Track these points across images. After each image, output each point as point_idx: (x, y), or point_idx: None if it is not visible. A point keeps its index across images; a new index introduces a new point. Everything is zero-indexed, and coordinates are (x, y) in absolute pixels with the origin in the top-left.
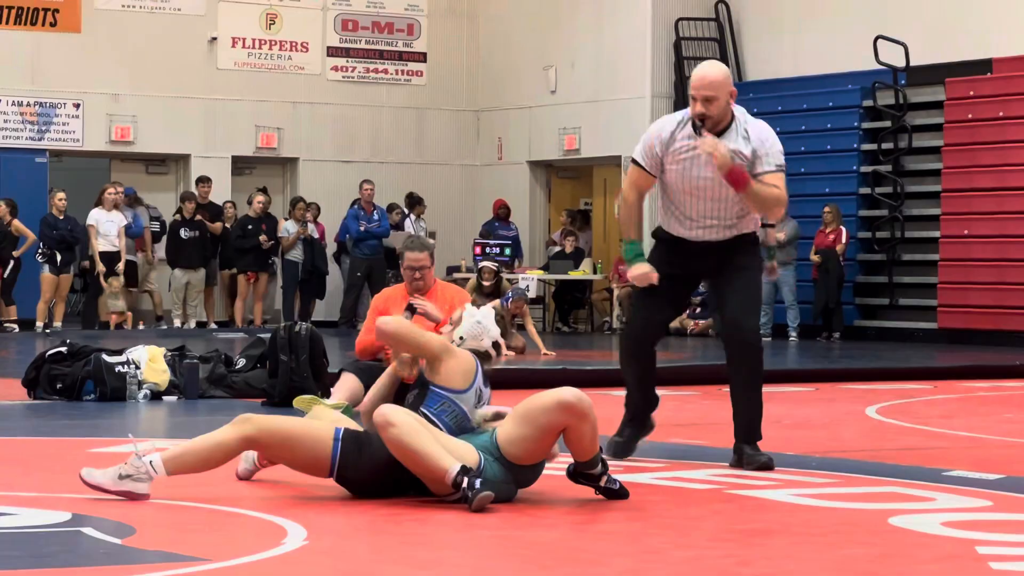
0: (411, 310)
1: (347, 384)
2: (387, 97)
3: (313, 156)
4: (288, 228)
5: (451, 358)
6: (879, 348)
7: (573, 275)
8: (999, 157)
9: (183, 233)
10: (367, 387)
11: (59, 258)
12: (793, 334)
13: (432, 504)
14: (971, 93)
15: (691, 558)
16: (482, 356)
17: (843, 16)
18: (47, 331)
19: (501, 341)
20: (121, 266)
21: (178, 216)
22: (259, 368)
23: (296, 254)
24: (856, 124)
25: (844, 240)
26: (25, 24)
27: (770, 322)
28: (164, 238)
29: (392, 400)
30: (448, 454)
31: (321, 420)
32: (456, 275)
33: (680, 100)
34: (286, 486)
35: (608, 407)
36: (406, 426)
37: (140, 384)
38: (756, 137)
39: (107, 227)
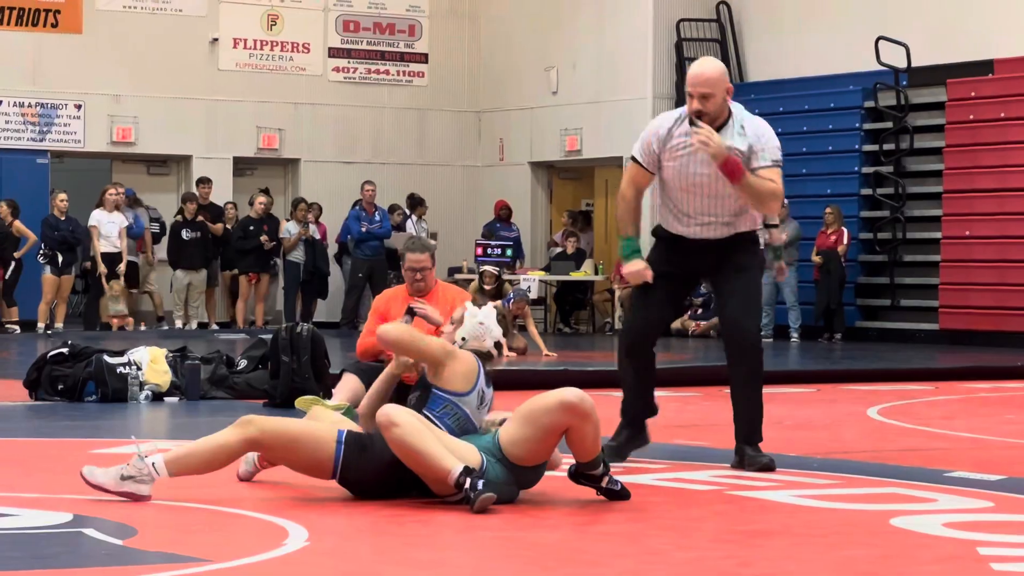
0: (411, 313)
1: (348, 385)
2: (388, 98)
3: (314, 157)
4: (290, 229)
5: (453, 361)
6: (880, 349)
7: (574, 276)
8: (1000, 158)
9: (185, 234)
10: (368, 388)
11: (60, 259)
12: (795, 335)
13: (434, 505)
14: (972, 94)
15: (692, 559)
16: (484, 356)
17: (844, 17)
18: (48, 332)
19: (503, 340)
20: (122, 267)
21: (179, 217)
22: (261, 369)
23: (298, 255)
24: (857, 125)
25: (845, 241)
26: (26, 25)
27: (772, 323)
28: (163, 239)
29: (391, 401)
30: (451, 454)
31: (320, 421)
32: (457, 276)
33: (681, 101)
34: (287, 487)
35: (610, 408)
36: (409, 426)
37: (141, 385)
38: (752, 133)
39: (108, 228)
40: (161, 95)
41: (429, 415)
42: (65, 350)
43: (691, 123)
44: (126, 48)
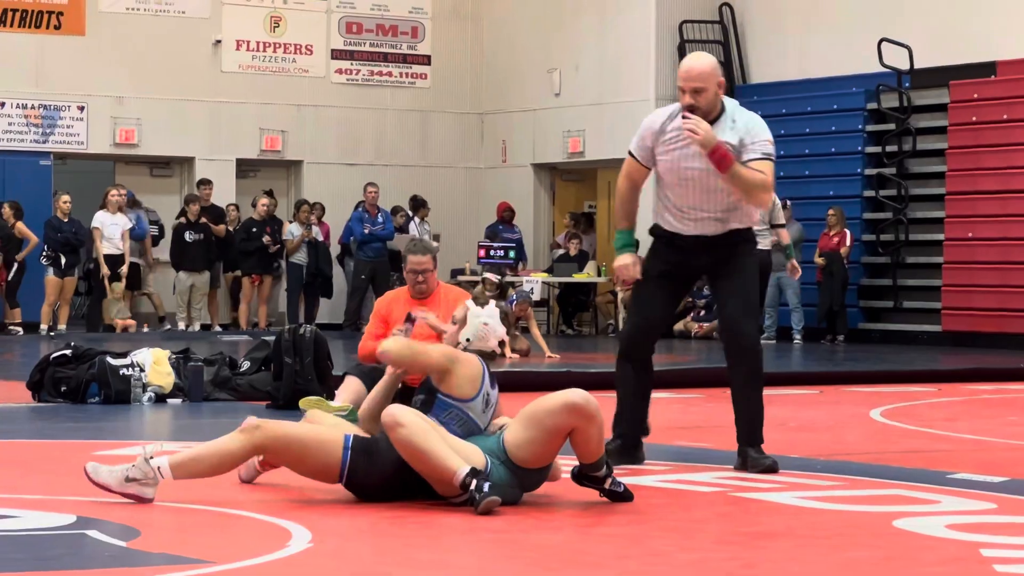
0: (410, 320)
1: (351, 387)
2: (391, 100)
3: (317, 159)
4: (293, 231)
5: (458, 367)
6: (883, 351)
7: (577, 278)
8: (1003, 160)
9: (188, 236)
10: (370, 390)
11: (63, 261)
12: (797, 337)
13: (436, 506)
14: (975, 96)
15: (695, 561)
16: (487, 356)
17: (847, 19)
18: (51, 334)
19: (506, 339)
20: (125, 269)
21: (182, 219)
22: (263, 371)
23: (300, 257)
24: (860, 127)
25: (848, 243)
26: (29, 27)
27: (774, 325)
28: (162, 241)
29: (396, 403)
30: (456, 455)
31: (319, 424)
32: (460, 278)
33: None
34: (290, 489)
35: (613, 410)
36: (415, 426)
37: (144, 387)
38: (744, 127)
39: (111, 230)
40: (164, 97)
41: (434, 420)
42: (68, 352)
43: (684, 118)
44: (129, 50)
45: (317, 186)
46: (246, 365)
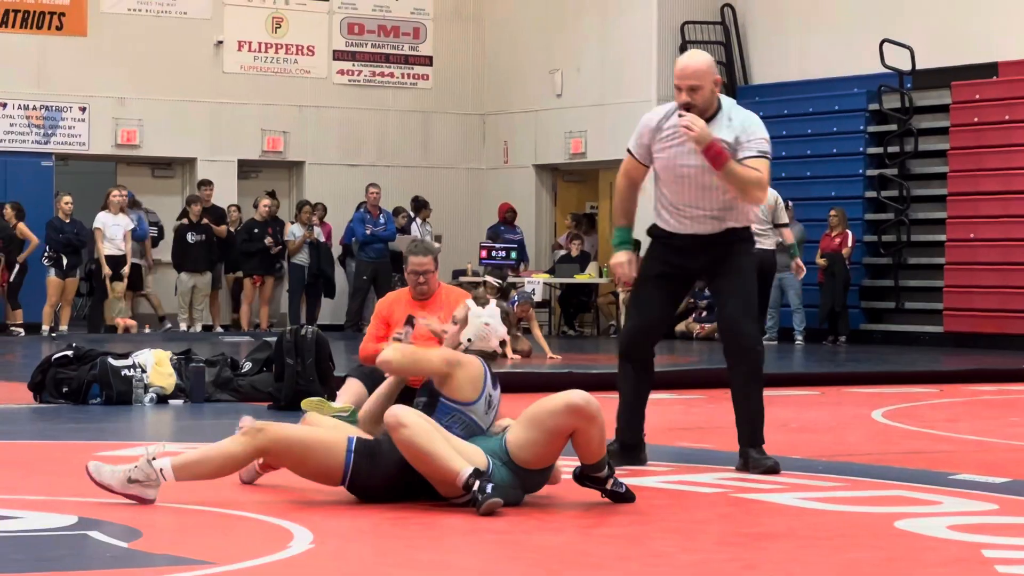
0: (410, 323)
1: (352, 389)
2: (393, 101)
3: (319, 160)
4: (294, 232)
5: (459, 370)
6: (885, 352)
7: (579, 279)
8: (1005, 160)
9: (190, 237)
10: (371, 392)
11: (65, 262)
12: (799, 338)
13: (438, 507)
14: (977, 96)
15: (697, 562)
16: (489, 356)
17: (849, 19)
18: (53, 335)
19: (507, 338)
20: (126, 270)
21: (184, 220)
22: (265, 372)
23: (302, 258)
24: (862, 128)
25: (850, 244)
26: (31, 28)
27: (776, 326)
28: (161, 242)
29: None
30: (459, 456)
31: (319, 425)
32: (462, 279)
33: None
34: (291, 490)
35: (614, 411)
36: (417, 427)
37: (146, 388)
38: (740, 124)
39: (113, 230)
40: (166, 98)
41: (437, 423)
42: (70, 353)
43: (680, 116)
44: (131, 51)
45: (319, 187)
46: (248, 366)
